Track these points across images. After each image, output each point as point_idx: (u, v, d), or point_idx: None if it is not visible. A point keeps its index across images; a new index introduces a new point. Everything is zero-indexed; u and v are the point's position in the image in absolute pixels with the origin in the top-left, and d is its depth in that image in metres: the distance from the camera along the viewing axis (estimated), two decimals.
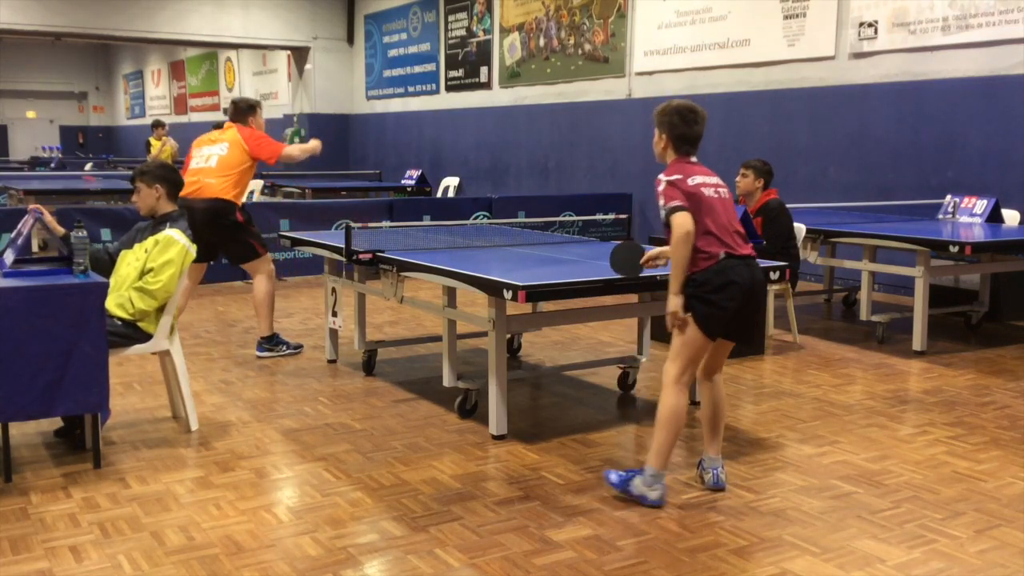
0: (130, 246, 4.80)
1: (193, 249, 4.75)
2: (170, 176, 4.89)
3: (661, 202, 3.81)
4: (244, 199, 6.66)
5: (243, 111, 6.76)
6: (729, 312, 3.77)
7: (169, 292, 4.62)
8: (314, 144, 7.00)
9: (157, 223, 4.78)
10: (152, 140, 16.38)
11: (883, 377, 5.98)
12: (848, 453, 4.51)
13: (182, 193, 5.09)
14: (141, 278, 4.60)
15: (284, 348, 6.57)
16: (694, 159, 3.94)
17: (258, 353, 6.55)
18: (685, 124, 3.89)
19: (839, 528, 3.65)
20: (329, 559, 3.38)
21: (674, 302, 3.75)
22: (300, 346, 6.69)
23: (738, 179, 6.90)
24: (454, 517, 3.74)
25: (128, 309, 4.58)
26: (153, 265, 4.59)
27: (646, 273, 4.42)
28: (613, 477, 3.92)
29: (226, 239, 6.50)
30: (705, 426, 4.07)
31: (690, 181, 3.81)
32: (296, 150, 6.84)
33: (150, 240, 4.69)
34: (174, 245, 4.64)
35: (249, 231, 6.56)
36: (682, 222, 3.70)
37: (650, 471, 3.81)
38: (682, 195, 3.76)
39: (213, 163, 6.47)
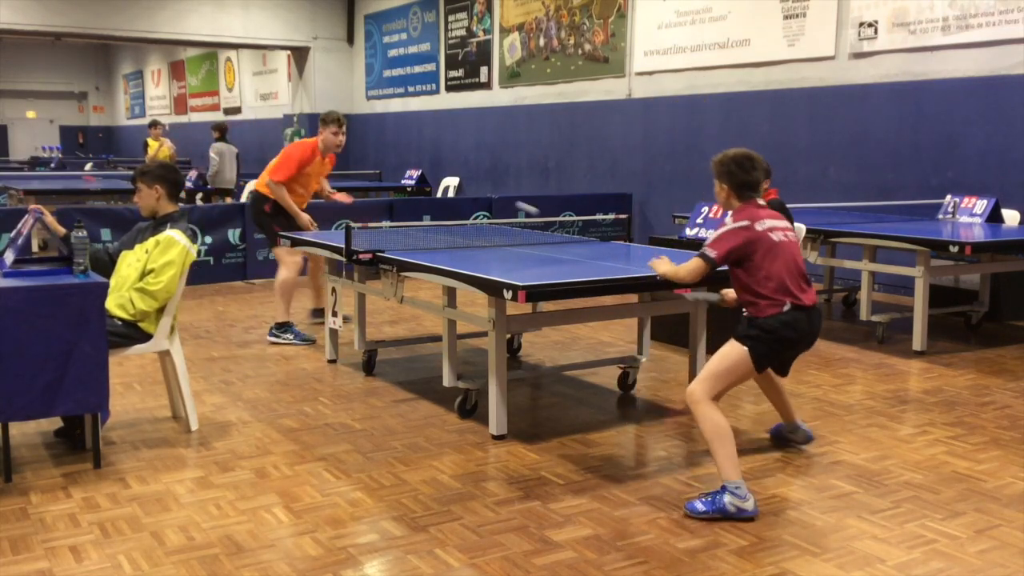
0: (131, 246, 4.80)
1: (194, 249, 4.75)
2: (170, 176, 4.87)
3: (712, 235, 3.96)
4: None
5: (319, 122, 7.57)
6: (781, 355, 4.07)
7: (170, 293, 4.62)
8: (304, 219, 7.18)
9: (158, 223, 4.78)
10: (150, 140, 16.37)
11: (883, 377, 5.98)
12: (848, 453, 4.51)
13: None
14: (142, 279, 4.60)
15: (291, 337, 6.85)
16: (761, 202, 4.04)
17: (269, 337, 6.95)
18: (743, 172, 3.99)
19: (839, 528, 3.65)
20: (329, 559, 3.38)
21: (664, 268, 4.14)
22: (312, 339, 6.85)
23: None
24: (454, 517, 3.74)
25: (129, 310, 4.58)
26: (154, 266, 4.59)
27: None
28: (700, 506, 3.74)
29: (257, 224, 7.48)
30: (773, 403, 4.55)
31: (758, 226, 3.90)
32: (282, 196, 7.07)
33: (151, 241, 4.69)
34: (175, 246, 4.64)
35: (268, 223, 7.11)
36: (694, 270, 3.96)
37: (732, 485, 3.72)
38: (729, 247, 3.87)
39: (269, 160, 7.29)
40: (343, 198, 8.00)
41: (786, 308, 3.86)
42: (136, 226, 4.91)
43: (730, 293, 4.27)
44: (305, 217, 7.20)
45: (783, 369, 4.26)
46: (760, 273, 3.86)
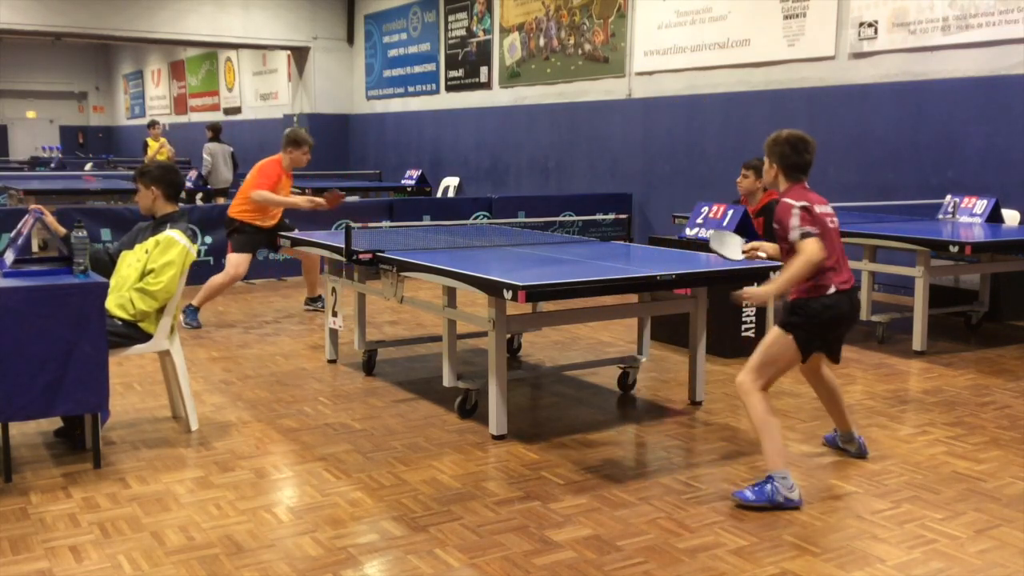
0: (131, 246, 4.79)
1: (194, 250, 4.75)
2: (167, 177, 4.86)
3: (793, 222, 3.88)
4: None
5: (284, 142, 7.69)
6: (826, 339, 4.08)
7: (170, 293, 4.62)
8: (302, 201, 7.66)
9: (158, 223, 4.78)
10: (149, 140, 16.36)
11: (883, 377, 5.98)
12: (848, 453, 4.51)
13: None
14: (142, 279, 4.60)
15: (192, 322, 7.49)
16: (807, 186, 4.05)
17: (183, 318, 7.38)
18: (796, 154, 3.99)
19: (839, 528, 3.65)
20: (329, 559, 3.38)
21: (763, 294, 4.02)
22: (200, 326, 7.50)
23: (739, 180, 6.90)
24: (454, 517, 3.74)
25: (129, 310, 4.58)
26: (154, 266, 4.58)
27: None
28: (749, 495, 3.83)
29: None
30: (830, 412, 4.42)
31: (817, 208, 3.93)
32: (272, 198, 7.46)
33: (151, 241, 4.68)
34: (175, 246, 4.64)
35: (235, 233, 7.59)
36: (815, 249, 3.84)
37: (779, 475, 3.81)
38: (812, 222, 3.88)
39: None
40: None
41: (831, 291, 3.92)
42: (136, 226, 4.91)
43: (746, 291, 4.16)
44: (302, 199, 7.73)
45: (833, 354, 4.21)
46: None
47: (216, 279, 7.50)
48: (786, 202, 3.94)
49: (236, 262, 7.48)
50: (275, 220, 7.67)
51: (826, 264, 3.91)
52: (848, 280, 4.02)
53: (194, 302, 7.47)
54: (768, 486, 3.80)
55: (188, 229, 4.77)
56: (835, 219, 4.06)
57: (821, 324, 3.96)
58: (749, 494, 3.83)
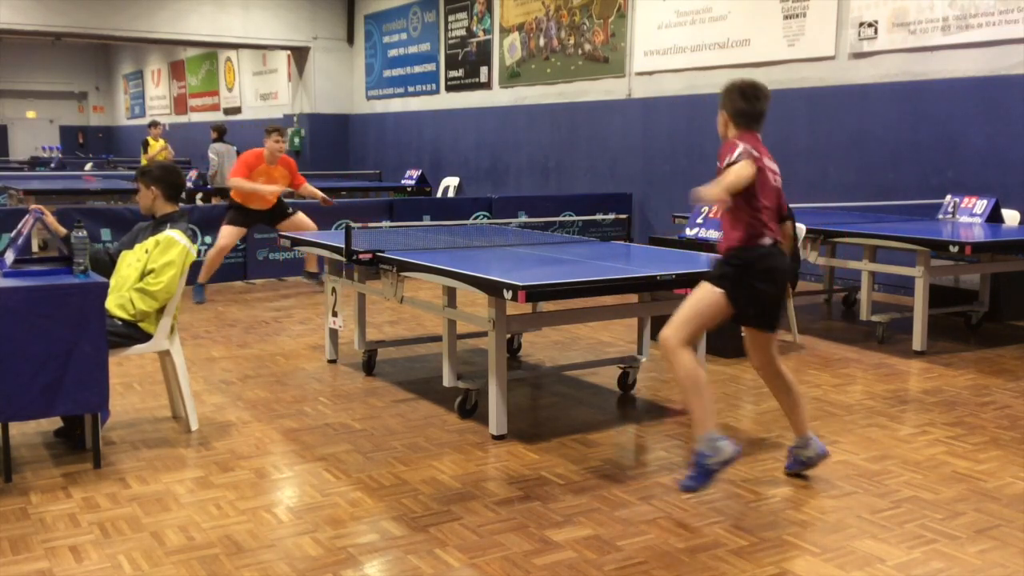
0: (130, 246, 4.79)
1: (194, 250, 4.75)
2: (167, 178, 4.86)
3: (734, 155, 3.71)
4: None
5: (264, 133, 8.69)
6: (762, 296, 3.85)
7: (170, 293, 4.62)
8: (267, 188, 8.44)
9: (158, 223, 4.78)
10: (150, 140, 16.36)
11: (883, 377, 5.98)
12: (848, 453, 4.51)
13: None
14: (142, 279, 4.59)
15: (199, 298, 8.47)
16: (759, 136, 3.91)
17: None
18: (745, 100, 3.85)
19: (839, 528, 3.65)
20: (329, 559, 3.38)
21: (704, 193, 3.68)
22: (205, 300, 8.50)
23: None
24: (454, 517, 3.74)
25: (129, 310, 4.58)
26: (154, 266, 4.58)
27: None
28: (690, 483, 3.80)
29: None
30: (787, 413, 4.18)
31: (759, 156, 3.79)
32: (240, 184, 8.46)
33: (151, 240, 4.68)
34: (175, 246, 4.64)
35: (229, 210, 8.65)
36: (745, 171, 3.67)
37: (706, 436, 3.76)
38: (753, 160, 3.73)
39: None
40: (318, 197, 9.11)
41: (766, 241, 3.81)
42: (136, 226, 4.91)
43: (693, 191, 3.95)
44: (266, 187, 8.47)
45: (766, 323, 3.96)
46: (755, 201, 3.79)
47: (210, 252, 8.57)
48: (733, 141, 3.80)
49: (224, 233, 8.51)
50: (267, 205, 8.61)
51: (762, 216, 3.79)
52: (778, 235, 3.89)
53: (199, 279, 8.49)
54: (700, 464, 3.78)
55: (188, 229, 4.77)
56: (779, 178, 3.92)
57: (754, 274, 3.80)
58: (690, 482, 3.82)
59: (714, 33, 10.60)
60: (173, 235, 4.66)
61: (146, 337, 4.67)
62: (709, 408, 3.82)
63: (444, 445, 4.63)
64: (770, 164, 3.88)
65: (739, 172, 3.67)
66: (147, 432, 4.83)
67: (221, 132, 14.41)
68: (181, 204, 4.97)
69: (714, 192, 3.65)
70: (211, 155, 14.01)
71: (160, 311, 4.66)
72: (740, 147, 3.74)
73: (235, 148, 14.30)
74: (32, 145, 29.03)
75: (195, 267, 8.72)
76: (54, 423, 4.70)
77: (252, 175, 8.44)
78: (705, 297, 3.86)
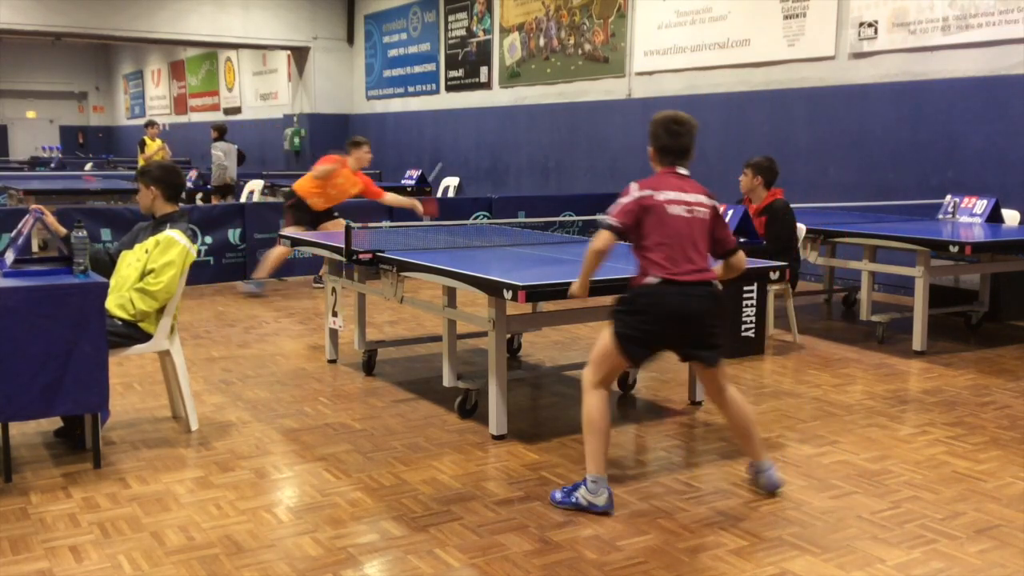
0: (131, 246, 4.79)
1: (194, 250, 4.75)
2: (167, 178, 4.85)
3: (611, 208, 3.81)
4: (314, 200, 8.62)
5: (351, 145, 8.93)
6: (649, 335, 3.79)
7: (170, 293, 4.62)
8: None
9: (158, 223, 4.77)
10: (147, 140, 16.27)
11: (883, 377, 5.98)
12: (848, 453, 4.51)
13: None
14: (142, 279, 4.59)
15: (257, 288, 8.84)
16: (682, 170, 3.88)
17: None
18: (669, 136, 3.83)
19: (839, 528, 3.65)
20: (329, 559, 3.38)
21: (574, 289, 3.99)
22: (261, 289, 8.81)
23: (741, 178, 6.90)
24: (454, 517, 3.74)
25: (129, 310, 4.58)
26: (154, 266, 4.58)
27: None
28: (558, 495, 3.84)
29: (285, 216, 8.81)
30: (737, 438, 4.10)
31: (658, 196, 3.75)
32: (325, 169, 8.63)
33: (151, 240, 4.68)
34: (175, 246, 4.63)
35: (291, 208, 8.65)
36: (600, 244, 3.74)
37: (590, 479, 3.77)
38: (629, 215, 3.74)
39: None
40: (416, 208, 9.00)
41: (652, 280, 3.73)
42: (136, 226, 4.91)
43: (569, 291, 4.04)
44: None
45: (692, 357, 3.93)
46: (643, 241, 3.75)
47: (273, 251, 8.66)
48: (630, 186, 3.79)
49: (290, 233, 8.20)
50: (326, 207, 8.68)
51: (650, 256, 3.73)
52: (685, 273, 3.72)
53: (256, 275, 8.86)
54: (576, 490, 3.79)
55: (188, 229, 4.77)
56: (697, 209, 3.78)
57: (630, 312, 3.77)
58: (558, 495, 3.83)
59: (714, 33, 10.60)
60: (173, 235, 4.66)
61: (146, 337, 4.66)
62: (601, 450, 3.79)
63: (444, 445, 4.63)
64: (678, 197, 3.77)
65: (593, 247, 3.76)
66: (147, 432, 4.83)
67: (222, 131, 14.43)
68: (181, 204, 4.96)
69: (578, 282, 3.93)
70: (218, 152, 14.02)
71: (160, 311, 4.66)
72: (621, 201, 3.77)
73: (236, 147, 14.33)
74: (32, 145, 29.04)
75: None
76: (54, 423, 4.70)
77: (330, 178, 8.60)
78: (604, 335, 3.88)
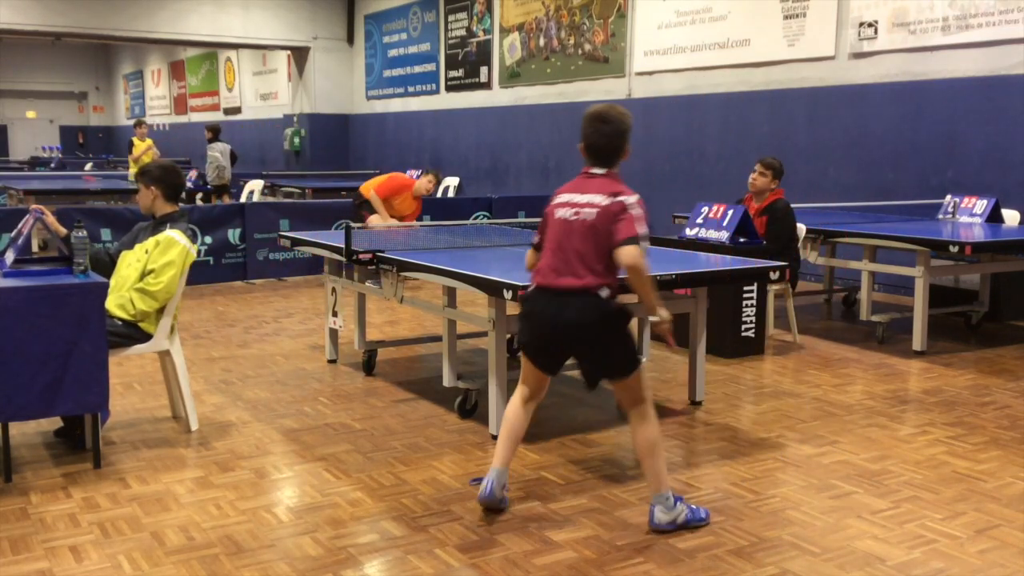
0: (131, 246, 4.79)
1: (194, 250, 4.74)
2: (167, 179, 4.84)
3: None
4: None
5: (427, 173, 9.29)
6: (532, 343, 3.68)
7: (170, 293, 4.61)
8: (386, 221, 8.66)
9: (158, 224, 4.77)
10: (135, 140, 16.02)
11: (883, 377, 5.98)
12: (848, 453, 4.51)
13: None
14: (142, 279, 4.59)
15: None
16: (597, 170, 3.58)
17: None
18: (589, 131, 3.57)
19: (839, 528, 3.65)
20: (329, 559, 3.38)
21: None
22: None
23: (754, 176, 6.86)
24: (454, 517, 3.74)
25: (129, 310, 4.57)
26: (154, 266, 4.58)
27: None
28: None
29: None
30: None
31: (555, 199, 3.63)
32: (376, 202, 9.02)
33: (151, 241, 4.68)
34: (174, 246, 4.63)
35: (362, 209, 9.08)
36: (527, 258, 3.79)
37: (498, 470, 3.75)
38: (541, 225, 3.71)
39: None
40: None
41: (530, 288, 3.65)
42: (136, 226, 4.90)
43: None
44: (386, 221, 8.77)
45: (553, 368, 3.75)
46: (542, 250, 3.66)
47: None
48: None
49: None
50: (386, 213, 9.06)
51: (539, 262, 3.65)
52: (551, 280, 3.54)
53: None
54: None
55: (188, 229, 4.77)
56: (585, 210, 3.49)
57: (521, 319, 3.68)
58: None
59: (714, 33, 10.60)
60: (173, 235, 4.66)
61: (146, 337, 4.66)
62: (510, 448, 3.74)
63: (444, 445, 4.63)
64: (570, 199, 3.56)
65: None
66: (147, 432, 4.83)
67: (216, 132, 14.43)
68: (181, 204, 4.96)
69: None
70: (215, 154, 14.01)
71: (160, 311, 4.66)
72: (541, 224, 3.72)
73: (229, 147, 14.32)
74: (32, 145, 29.04)
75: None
76: (54, 423, 4.70)
77: (392, 196, 9.10)
78: None
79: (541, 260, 3.65)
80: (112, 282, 4.60)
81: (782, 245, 6.57)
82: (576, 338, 3.57)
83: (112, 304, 4.51)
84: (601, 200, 3.49)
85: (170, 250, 4.61)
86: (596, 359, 3.64)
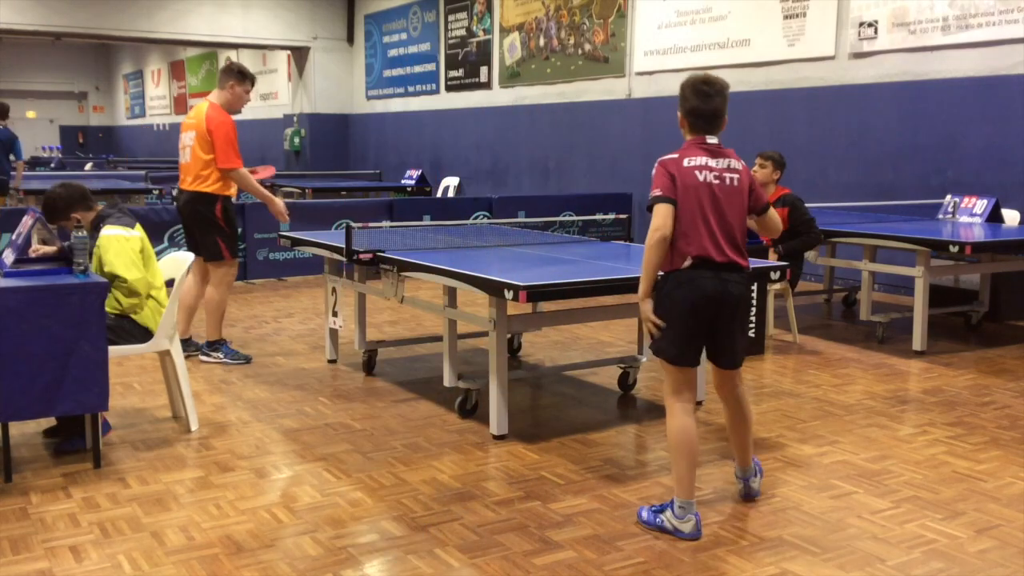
0: (91, 261, 4.73)
1: (132, 232, 4.70)
2: (69, 202, 4.78)
3: (653, 190, 3.46)
4: (232, 192, 6.32)
5: (225, 74, 6.49)
6: (688, 329, 3.50)
7: (140, 276, 4.58)
8: (278, 205, 6.43)
9: (94, 230, 4.73)
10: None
11: (883, 377, 5.98)
12: (848, 453, 4.51)
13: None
14: (113, 282, 4.57)
15: (224, 356, 6.27)
16: (712, 139, 3.52)
17: (201, 357, 6.28)
18: (697, 97, 3.49)
19: (839, 528, 3.65)
20: (329, 559, 3.38)
21: (642, 308, 3.56)
22: (248, 358, 6.31)
23: (754, 170, 6.90)
24: (454, 517, 3.74)
25: (117, 307, 4.59)
26: (111, 269, 4.56)
27: None
28: (644, 513, 3.65)
29: (201, 231, 6.24)
30: (731, 437, 3.89)
31: (685, 162, 3.42)
32: (249, 182, 6.25)
33: (97, 249, 4.65)
34: (111, 243, 4.59)
35: (222, 230, 6.22)
36: (659, 221, 3.38)
37: (678, 503, 3.54)
38: (669, 181, 3.40)
39: (187, 157, 6.30)
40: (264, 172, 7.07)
41: (686, 264, 3.41)
42: (85, 244, 4.78)
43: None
44: (279, 202, 6.51)
45: (718, 355, 3.64)
46: (677, 216, 3.40)
47: (209, 303, 6.36)
48: (662, 161, 3.48)
49: (216, 268, 6.40)
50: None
51: (680, 230, 3.40)
52: (718, 253, 3.42)
53: (209, 338, 6.38)
54: (664, 513, 3.57)
55: (118, 219, 4.73)
56: (730, 175, 3.44)
57: (673, 304, 3.44)
58: (644, 513, 3.64)
59: (714, 33, 10.60)
60: (106, 234, 4.64)
61: (143, 333, 4.66)
62: (688, 474, 3.55)
63: (444, 445, 4.63)
64: (707, 163, 3.46)
65: (650, 229, 3.39)
66: (147, 432, 4.83)
67: None
68: (100, 202, 4.94)
69: (641, 288, 3.51)
70: None
71: (158, 306, 4.67)
72: (655, 172, 3.44)
73: None
74: (32, 145, 29.01)
75: None
76: (52, 423, 4.70)
77: None
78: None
79: (688, 226, 3.40)
80: None
81: (813, 227, 6.71)
82: (738, 315, 3.53)
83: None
84: (739, 166, 3.51)
85: (110, 248, 4.59)
86: (744, 334, 3.60)
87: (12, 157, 12.46)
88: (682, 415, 3.55)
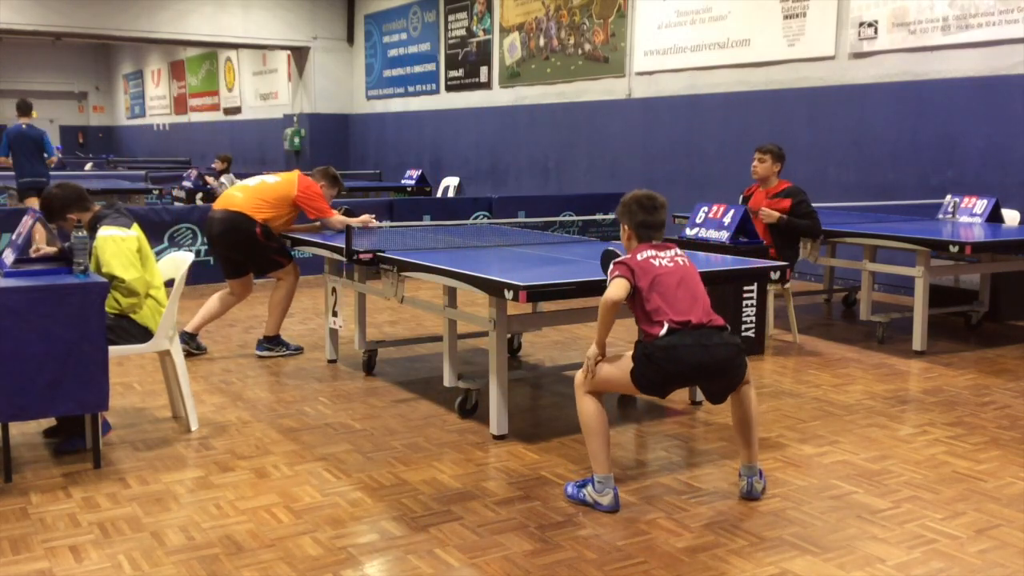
0: (90, 261, 4.74)
1: (128, 232, 4.69)
2: (67, 202, 4.79)
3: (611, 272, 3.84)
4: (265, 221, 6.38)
5: (320, 175, 6.65)
6: (678, 378, 3.78)
7: (138, 276, 4.58)
8: (364, 218, 6.51)
9: (91, 232, 4.73)
10: None
11: (883, 377, 5.98)
12: (848, 453, 4.51)
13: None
14: (112, 283, 4.57)
15: (283, 349, 6.59)
16: (656, 242, 3.93)
17: (258, 352, 6.57)
18: (645, 212, 3.89)
19: (839, 528, 3.65)
20: (329, 559, 3.38)
21: (591, 350, 3.87)
22: (300, 348, 6.67)
23: (755, 165, 6.89)
24: (454, 517, 3.74)
25: (117, 307, 4.59)
26: (108, 270, 4.56)
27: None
28: (570, 488, 3.93)
29: (246, 253, 6.41)
30: (737, 434, 4.00)
31: (639, 256, 3.82)
32: (335, 221, 6.46)
33: (94, 251, 4.65)
34: (108, 244, 4.59)
35: (268, 246, 6.40)
36: (613, 290, 3.72)
37: (597, 478, 3.82)
38: (628, 271, 3.77)
39: (252, 183, 6.56)
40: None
41: (662, 332, 3.68)
42: (85, 244, 4.80)
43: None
44: (358, 219, 6.51)
45: (709, 396, 3.93)
46: (642, 296, 3.74)
47: (275, 297, 6.61)
48: (613, 262, 3.85)
49: (280, 273, 6.67)
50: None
51: (651, 307, 3.72)
52: (693, 316, 3.72)
53: (269, 333, 6.62)
54: (586, 488, 3.85)
55: (114, 220, 4.72)
56: (679, 258, 3.87)
57: (656, 367, 3.70)
58: (570, 488, 3.93)
59: (714, 33, 10.60)
60: (103, 235, 4.63)
61: (143, 332, 4.66)
62: (602, 451, 3.87)
63: (444, 445, 4.63)
64: (656, 253, 3.84)
65: (605, 297, 3.74)
66: (147, 432, 4.83)
67: (229, 163, 14.36)
68: (99, 203, 4.94)
69: (596, 340, 3.84)
70: (225, 183, 13.54)
71: (157, 305, 4.67)
72: (615, 270, 3.79)
73: (235, 180, 14.16)
74: None
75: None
76: (52, 423, 4.70)
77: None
78: (622, 364, 3.83)
79: (657, 303, 3.72)
80: None
81: (814, 218, 6.71)
82: (729, 375, 3.82)
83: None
84: (681, 252, 3.95)
85: (106, 249, 4.59)
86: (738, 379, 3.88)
87: (45, 155, 11.97)
88: (593, 402, 3.88)
